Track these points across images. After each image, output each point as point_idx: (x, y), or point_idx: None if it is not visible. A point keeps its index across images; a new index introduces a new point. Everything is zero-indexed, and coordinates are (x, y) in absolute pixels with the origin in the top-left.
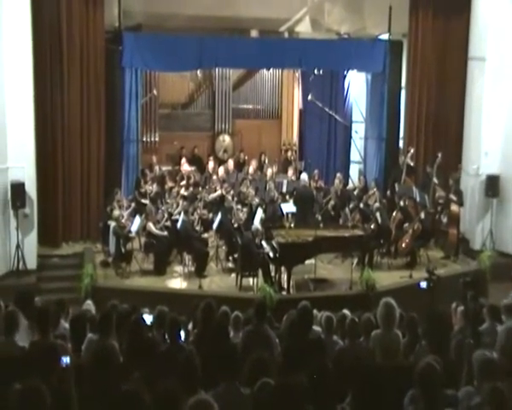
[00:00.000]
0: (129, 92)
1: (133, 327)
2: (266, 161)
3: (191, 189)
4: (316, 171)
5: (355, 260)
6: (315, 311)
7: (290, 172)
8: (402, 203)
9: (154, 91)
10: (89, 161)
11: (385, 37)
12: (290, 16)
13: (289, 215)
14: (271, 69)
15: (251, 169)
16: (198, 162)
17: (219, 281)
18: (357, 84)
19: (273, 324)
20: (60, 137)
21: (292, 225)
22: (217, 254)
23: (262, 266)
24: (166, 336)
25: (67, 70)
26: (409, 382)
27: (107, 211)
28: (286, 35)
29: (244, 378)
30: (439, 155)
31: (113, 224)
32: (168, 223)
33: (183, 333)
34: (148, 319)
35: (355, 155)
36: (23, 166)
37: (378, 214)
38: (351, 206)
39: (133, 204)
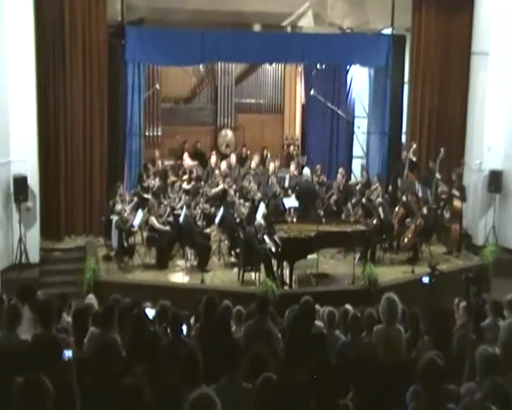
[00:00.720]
0: (131, 86)
1: (135, 321)
2: (269, 156)
3: (193, 183)
4: (318, 166)
5: (357, 256)
6: (317, 306)
7: (292, 166)
8: (404, 198)
9: (157, 86)
10: (91, 155)
11: (388, 31)
12: (293, 10)
13: (291, 210)
14: (274, 64)
15: (253, 164)
16: (200, 157)
17: (221, 275)
18: (359, 78)
19: (275, 318)
20: (62, 130)
21: (294, 220)
22: (219, 248)
23: (264, 260)
24: (168, 331)
25: (70, 64)
26: (411, 377)
27: (109, 205)
28: (288, 29)
29: (244, 373)
30: (442, 150)
31: (115, 218)
32: (170, 217)
33: (185, 327)
34: (151, 313)
35: (357, 149)
36: (25, 160)
37: (380, 209)
38: (353, 201)
39: (136, 198)
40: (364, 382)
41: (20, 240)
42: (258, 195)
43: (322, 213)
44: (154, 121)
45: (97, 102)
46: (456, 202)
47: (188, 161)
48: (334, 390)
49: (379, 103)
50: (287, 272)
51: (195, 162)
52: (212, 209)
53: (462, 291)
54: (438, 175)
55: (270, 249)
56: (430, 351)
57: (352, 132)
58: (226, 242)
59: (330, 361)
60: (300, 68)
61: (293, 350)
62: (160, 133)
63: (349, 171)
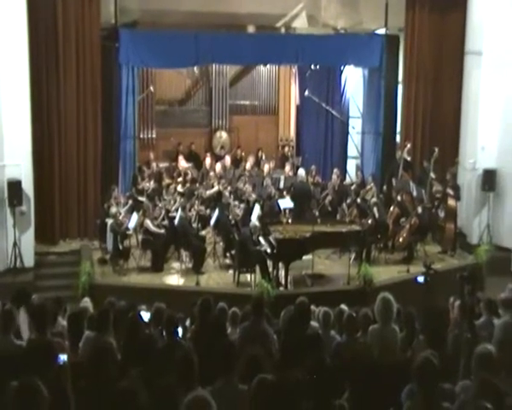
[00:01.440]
0: (125, 89)
1: (131, 324)
2: (263, 157)
3: (188, 185)
4: (313, 166)
5: (352, 256)
6: (312, 306)
7: (287, 167)
8: (399, 198)
9: (151, 88)
10: (85, 158)
11: (381, 31)
12: (286, 12)
13: (287, 211)
14: (268, 65)
15: (248, 165)
16: (195, 159)
17: (217, 277)
18: (353, 79)
19: (271, 320)
20: (56, 134)
21: (289, 221)
22: (214, 250)
23: (259, 262)
24: (164, 333)
25: (63, 67)
26: (406, 376)
27: (104, 208)
28: (282, 31)
29: (240, 375)
30: (436, 149)
31: (110, 221)
32: (165, 220)
33: (180, 330)
34: (146, 316)
35: (352, 150)
36: (19, 164)
37: (375, 209)
38: (348, 201)
39: (130, 201)
40: (360, 382)
41: (15, 244)
42: (253, 196)
43: (317, 213)
44: (148, 123)
45: (91, 104)
46: (451, 201)
47: (182, 163)
48: (329, 391)
49: (373, 103)
50: (282, 273)
51: (190, 164)
52: (207, 211)
53: (456, 290)
54: (432, 174)
55: (266, 251)
56: (425, 350)
57: (347, 133)
58: (221, 243)
59: (326, 362)
60: (295, 69)
61: (288, 351)
62: (154, 135)
63: (344, 171)
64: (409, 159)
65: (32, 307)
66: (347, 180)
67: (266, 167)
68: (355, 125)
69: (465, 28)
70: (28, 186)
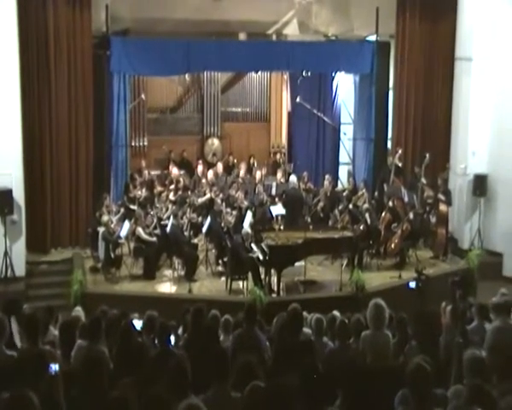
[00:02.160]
0: (117, 97)
1: (123, 333)
2: (255, 164)
3: (180, 193)
4: (305, 173)
5: (345, 262)
6: (305, 313)
7: (279, 174)
8: (391, 204)
9: (143, 96)
10: (77, 167)
11: (372, 38)
12: (278, 19)
13: (279, 217)
14: (259, 72)
15: (242, 172)
16: (187, 166)
17: (209, 285)
18: (345, 85)
19: (263, 327)
20: (47, 142)
21: (281, 228)
22: (206, 257)
23: (252, 269)
24: (156, 341)
25: (55, 75)
26: (399, 382)
27: (95, 216)
28: (274, 37)
29: (233, 382)
30: (427, 155)
31: (102, 229)
32: (157, 228)
33: (173, 338)
34: (138, 324)
35: (344, 156)
36: (10, 173)
37: (367, 215)
38: (340, 207)
39: (122, 209)
40: (352, 388)
41: (6, 254)
42: (245, 203)
43: (309, 220)
44: (139, 131)
45: (82, 113)
46: (442, 207)
47: (174, 171)
48: (322, 397)
49: (364, 110)
50: (274, 279)
51: (182, 172)
52: (200, 219)
53: (448, 295)
54: (423, 180)
55: (258, 257)
56: (418, 356)
57: (338, 139)
58: (213, 251)
59: (318, 368)
60: (286, 76)
61: (281, 358)
62: (146, 143)
63: (335, 177)
64: (400, 165)
65: (23, 316)
66: (339, 186)
67: (258, 174)
68: (346, 132)
69: (455, 35)
70: (19, 195)
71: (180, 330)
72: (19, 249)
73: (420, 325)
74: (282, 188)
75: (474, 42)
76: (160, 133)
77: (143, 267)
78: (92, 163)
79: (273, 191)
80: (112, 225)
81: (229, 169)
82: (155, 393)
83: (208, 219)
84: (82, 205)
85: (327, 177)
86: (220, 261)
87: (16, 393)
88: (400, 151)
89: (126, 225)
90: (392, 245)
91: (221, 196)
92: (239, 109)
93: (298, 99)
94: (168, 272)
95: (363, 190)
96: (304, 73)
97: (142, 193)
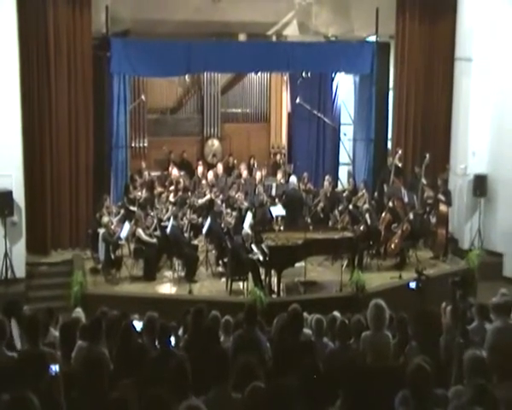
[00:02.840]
0: (117, 98)
1: (123, 334)
2: (255, 165)
3: (180, 194)
4: (305, 173)
5: (345, 262)
6: (305, 314)
7: (279, 175)
8: (391, 204)
9: (143, 97)
10: (77, 168)
11: (372, 39)
12: (278, 20)
13: (279, 218)
14: (259, 73)
15: (244, 173)
16: (187, 167)
17: (209, 286)
18: (345, 86)
19: (263, 327)
20: (48, 143)
21: (281, 228)
22: (207, 258)
23: (252, 269)
24: (157, 343)
25: (55, 77)
26: (399, 383)
27: (96, 218)
28: (274, 38)
29: (233, 383)
30: (427, 155)
31: (102, 230)
32: (157, 229)
33: (173, 339)
34: (138, 325)
35: (344, 156)
36: (11, 174)
37: (367, 216)
38: (340, 208)
39: (122, 210)
40: (353, 388)
41: (6, 255)
42: (245, 204)
43: (309, 220)
44: (140, 132)
45: (83, 114)
46: (442, 207)
47: (174, 172)
48: (322, 398)
49: (364, 110)
50: (274, 280)
51: (182, 173)
52: (200, 220)
53: (448, 295)
54: (423, 180)
55: (258, 258)
56: (418, 356)
57: (338, 139)
58: (214, 252)
59: (319, 369)
60: (286, 77)
61: (281, 358)
62: (146, 144)
63: (336, 178)
64: (400, 165)
65: (23, 318)
66: (339, 187)
67: (258, 175)
68: (346, 132)
69: (455, 35)
70: (19, 196)
71: (180, 331)
72: (19, 251)
73: (420, 326)
74: (282, 189)
75: (474, 42)
76: (160, 134)
77: (144, 268)
78: (92, 164)
79: (273, 192)
80: (112, 227)
81: (229, 170)
82: (156, 394)
83: (208, 220)
84: (82, 206)
85: (327, 177)
86: (220, 262)
87: (17, 394)
88: (400, 151)
89: (126, 226)
90: (393, 245)
91: (221, 196)
92: (239, 110)
93: (298, 100)
94: (168, 273)
95: (363, 191)
96: (304, 74)
97: (142, 194)
